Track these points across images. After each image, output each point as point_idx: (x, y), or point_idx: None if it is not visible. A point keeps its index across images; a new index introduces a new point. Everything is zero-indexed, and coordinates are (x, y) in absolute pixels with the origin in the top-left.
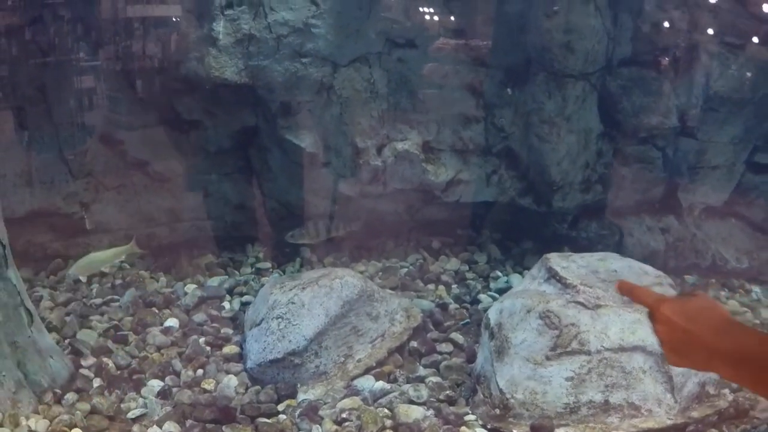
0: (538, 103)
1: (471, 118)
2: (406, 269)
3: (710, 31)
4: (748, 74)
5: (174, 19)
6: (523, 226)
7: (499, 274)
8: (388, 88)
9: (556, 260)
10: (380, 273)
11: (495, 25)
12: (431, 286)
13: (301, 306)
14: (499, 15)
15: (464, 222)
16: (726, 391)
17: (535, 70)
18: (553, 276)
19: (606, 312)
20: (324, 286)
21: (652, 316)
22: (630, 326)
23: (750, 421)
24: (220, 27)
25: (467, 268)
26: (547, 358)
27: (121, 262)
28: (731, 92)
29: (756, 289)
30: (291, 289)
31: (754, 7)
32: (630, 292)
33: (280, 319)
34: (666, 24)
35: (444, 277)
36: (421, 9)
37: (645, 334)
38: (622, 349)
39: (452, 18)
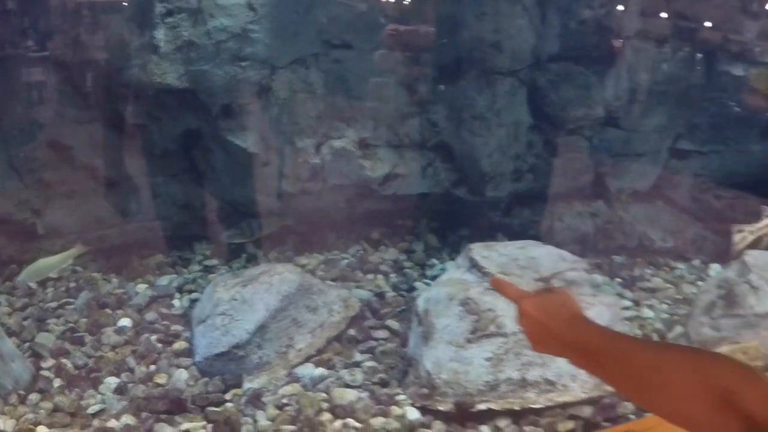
0: (469, 99)
1: (406, 114)
2: (346, 260)
3: (635, 27)
4: (671, 67)
5: (117, 28)
6: (459, 215)
7: (436, 261)
8: (325, 88)
9: (477, 250)
10: (322, 265)
11: (428, 26)
12: (370, 276)
13: (242, 302)
14: (432, 16)
15: (402, 213)
16: None
17: (466, 68)
18: (473, 265)
19: None
20: (264, 282)
21: (517, 310)
22: None
23: None
24: (161, 35)
25: (405, 257)
26: (468, 341)
27: (72, 264)
28: (654, 84)
29: (680, 266)
30: (233, 287)
31: (677, 3)
32: (499, 288)
33: (223, 316)
34: (592, 21)
35: (383, 267)
36: (356, 11)
37: None
38: None
39: (387, 19)
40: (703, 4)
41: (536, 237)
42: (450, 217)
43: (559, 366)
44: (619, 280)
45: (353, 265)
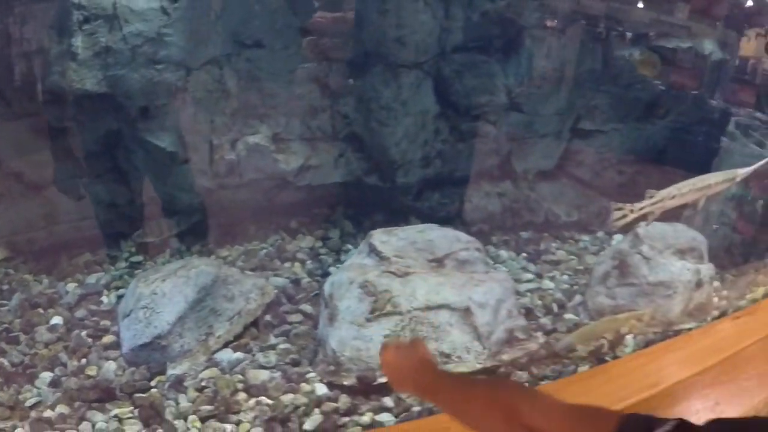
0: (376, 91)
1: (318, 108)
2: (265, 250)
3: (535, 17)
4: (568, 54)
5: (38, 35)
6: (372, 202)
7: (350, 247)
8: (238, 87)
9: (377, 236)
10: (242, 256)
11: (336, 23)
12: (288, 264)
13: (162, 296)
14: (335, 13)
15: (319, 202)
16: (539, 333)
17: (373, 62)
18: (372, 250)
19: (414, 278)
20: (182, 276)
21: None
22: (435, 288)
23: (560, 362)
24: (78, 42)
25: (321, 244)
26: (367, 320)
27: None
28: (552, 71)
29: (585, 238)
30: (153, 282)
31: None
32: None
33: (145, 309)
34: (493, 13)
35: (299, 255)
36: (267, 11)
37: (448, 294)
38: (428, 308)
39: (297, 17)
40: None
41: (447, 218)
42: (364, 204)
43: (453, 340)
44: (525, 254)
45: (272, 255)
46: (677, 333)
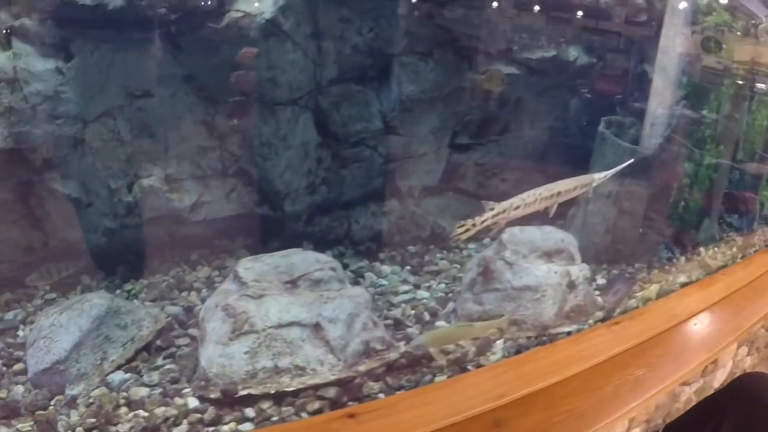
0: (257, 129)
1: (207, 148)
2: (166, 282)
3: (402, 44)
4: (436, 76)
5: None
6: (267, 231)
7: None
8: (131, 134)
9: (243, 263)
10: (145, 288)
11: (216, 68)
12: (185, 293)
13: (59, 326)
14: (217, 59)
15: (217, 234)
16: (402, 343)
17: (252, 102)
18: (235, 277)
19: (268, 299)
20: (77, 309)
21: None
22: (286, 307)
23: (419, 371)
24: None
25: (218, 273)
26: (230, 339)
27: None
28: (421, 93)
29: (471, 246)
30: (52, 315)
31: (439, 18)
32: None
33: (45, 339)
34: (363, 45)
35: (196, 284)
36: (153, 64)
37: (298, 312)
38: (281, 325)
39: (181, 67)
40: (461, 15)
41: (336, 240)
42: (259, 233)
43: (306, 354)
44: (408, 267)
45: (171, 285)
46: (554, 337)
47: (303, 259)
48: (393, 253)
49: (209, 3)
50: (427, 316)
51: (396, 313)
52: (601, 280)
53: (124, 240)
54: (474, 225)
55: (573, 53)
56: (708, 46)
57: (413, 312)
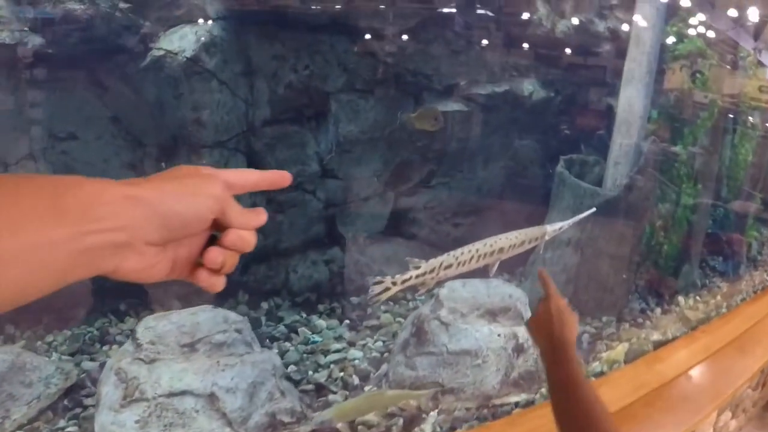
0: None
1: None
2: (90, 334)
3: (340, 82)
4: (377, 114)
5: None
6: None
7: None
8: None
9: (145, 322)
10: (67, 341)
11: (141, 109)
12: (107, 347)
13: None
14: (141, 100)
15: (148, 284)
16: (314, 415)
17: (179, 144)
18: (131, 337)
19: (160, 365)
20: None
21: (547, 296)
22: (178, 374)
23: None
24: None
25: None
26: (121, 406)
27: None
28: (360, 134)
29: (421, 298)
30: None
31: (380, 53)
32: (543, 280)
33: None
34: (298, 83)
35: (120, 338)
36: (77, 105)
37: (191, 380)
38: (172, 394)
39: (107, 108)
40: (403, 49)
41: (273, 290)
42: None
43: (201, 426)
44: (347, 321)
45: (94, 338)
46: (498, 409)
47: (210, 318)
48: (334, 305)
49: (133, 41)
50: (356, 380)
51: (321, 376)
52: None
53: (72, 287)
54: (394, 284)
55: (528, 87)
56: (686, 78)
57: (341, 374)
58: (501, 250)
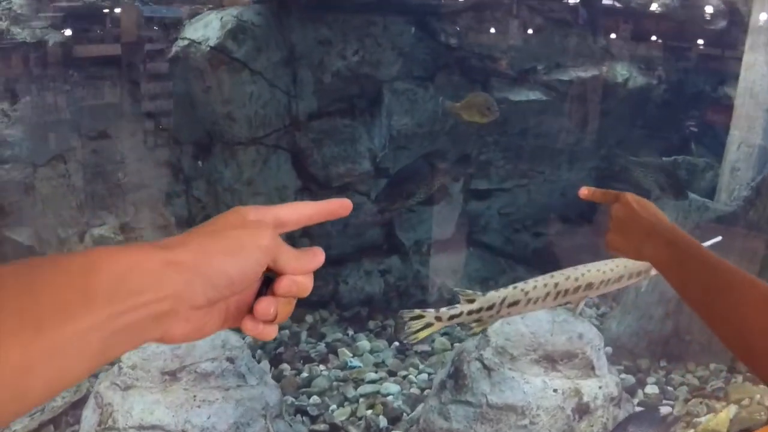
0: (219, 172)
1: (171, 193)
2: None
3: (394, 68)
4: (435, 106)
5: None
6: None
7: None
8: (83, 179)
9: None
10: None
11: (175, 105)
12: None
13: None
14: (173, 95)
15: None
16: None
17: (214, 142)
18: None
19: (134, 393)
20: None
21: (616, 199)
22: (150, 407)
23: None
24: None
25: None
26: None
27: None
28: (416, 127)
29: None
30: None
31: (442, 34)
32: (595, 193)
33: None
34: (347, 71)
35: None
36: (107, 101)
37: (162, 415)
38: (142, 427)
39: (140, 103)
40: (470, 28)
41: (320, 302)
42: None
43: None
44: (396, 344)
45: None
46: None
47: (207, 341)
48: (387, 322)
49: (162, 32)
50: (382, 422)
51: (342, 413)
52: (652, 388)
53: None
54: (438, 319)
55: (622, 73)
56: None
57: (368, 412)
58: (589, 286)
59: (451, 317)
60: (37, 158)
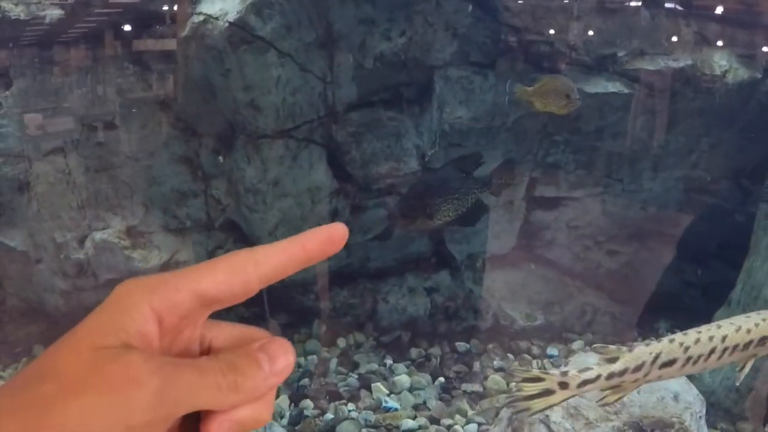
0: (240, 170)
1: (188, 192)
2: None
3: (448, 53)
4: (496, 97)
5: None
6: (270, 301)
7: None
8: (86, 175)
9: None
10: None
11: (192, 91)
12: None
13: None
14: (189, 79)
15: None
16: None
17: (237, 135)
18: None
19: None
20: None
21: None
22: None
23: None
24: None
25: None
26: None
27: None
28: (473, 121)
29: (554, 351)
30: None
31: (505, 14)
32: None
33: None
34: (392, 54)
35: None
36: (116, 86)
37: None
38: None
39: (153, 89)
40: (537, 8)
41: (355, 324)
42: (258, 304)
43: None
44: (442, 380)
45: None
46: None
47: None
48: (431, 350)
49: (174, 7)
50: None
51: None
52: None
53: (84, 305)
54: (564, 386)
55: (721, 63)
56: None
57: None
58: (763, 341)
59: (583, 383)
60: (33, 151)
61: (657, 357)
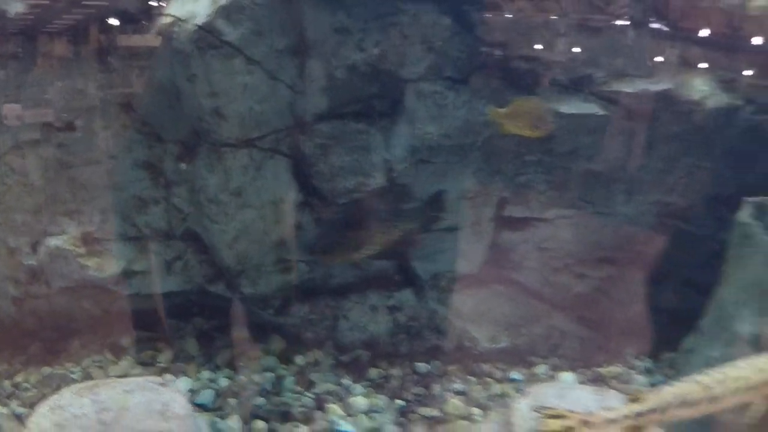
0: (203, 178)
1: (148, 199)
2: (75, 375)
3: (421, 66)
4: (469, 114)
5: None
6: (224, 315)
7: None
8: (44, 178)
9: (60, 395)
10: (39, 384)
11: (157, 96)
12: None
13: None
14: (155, 82)
15: (156, 314)
16: None
17: (200, 142)
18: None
19: None
20: None
21: None
22: None
23: None
24: None
25: (140, 370)
26: None
27: None
28: (444, 138)
29: (516, 376)
30: None
31: (481, 28)
32: None
33: None
34: (364, 65)
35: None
36: (79, 84)
37: None
38: None
39: (117, 90)
40: (515, 24)
41: (315, 341)
42: (217, 317)
43: None
44: (401, 402)
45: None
46: None
47: (143, 404)
48: (392, 371)
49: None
50: None
51: None
52: None
53: (36, 311)
54: (587, 424)
55: (701, 89)
56: None
57: None
58: None
59: (608, 422)
60: None
61: (682, 398)
